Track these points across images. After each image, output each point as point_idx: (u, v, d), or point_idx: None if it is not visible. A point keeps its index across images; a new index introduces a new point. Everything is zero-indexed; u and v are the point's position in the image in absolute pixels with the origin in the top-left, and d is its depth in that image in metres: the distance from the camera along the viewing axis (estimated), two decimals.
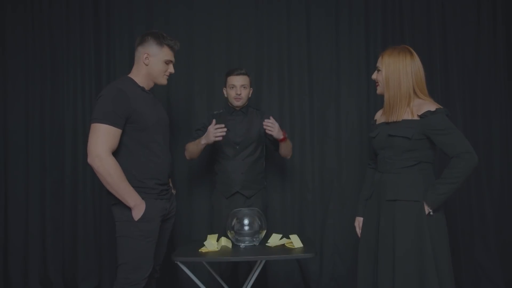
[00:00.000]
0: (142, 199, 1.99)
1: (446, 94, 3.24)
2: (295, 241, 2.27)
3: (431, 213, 1.86)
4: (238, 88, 2.65)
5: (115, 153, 1.99)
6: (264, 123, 2.49)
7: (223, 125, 2.46)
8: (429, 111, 1.86)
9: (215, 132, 2.43)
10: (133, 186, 1.98)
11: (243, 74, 2.68)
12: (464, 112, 3.25)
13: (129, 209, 1.97)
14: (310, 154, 3.27)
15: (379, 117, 2.12)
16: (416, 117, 1.89)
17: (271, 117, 2.52)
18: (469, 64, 3.27)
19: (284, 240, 2.35)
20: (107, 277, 3.16)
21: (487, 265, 3.17)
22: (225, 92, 2.77)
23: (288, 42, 3.29)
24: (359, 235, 2.13)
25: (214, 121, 2.49)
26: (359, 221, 2.16)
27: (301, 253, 2.18)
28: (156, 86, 2.27)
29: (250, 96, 2.76)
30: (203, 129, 2.65)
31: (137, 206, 1.96)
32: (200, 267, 2.63)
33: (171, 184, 2.32)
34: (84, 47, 3.26)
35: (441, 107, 1.90)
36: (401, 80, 1.92)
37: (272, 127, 2.47)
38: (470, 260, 3.18)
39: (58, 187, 3.24)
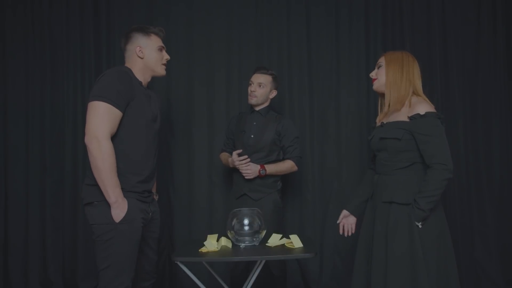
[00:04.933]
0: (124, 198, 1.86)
1: (446, 94, 3.24)
2: (295, 241, 2.27)
3: (420, 226, 1.83)
4: (254, 85, 2.65)
5: None
6: (234, 160, 2.57)
7: (244, 158, 2.55)
8: (418, 114, 1.86)
9: (236, 164, 2.57)
10: None
11: (264, 73, 2.67)
12: (464, 112, 3.25)
13: (108, 209, 1.83)
14: (310, 154, 3.27)
15: (378, 121, 2.12)
16: (406, 119, 1.90)
17: (241, 158, 2.56)
18: (469, 64, 3.27)
19: (284, 240, 2.35)
20: None
21: (487, 265, 3.17)
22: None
23: (288, 42, 3.29)
24: (339, 222, 2.23)
25: (237, 153, 2.58)
26: (344, 214, 2.23)
27: (301, 253, 2.17)
28: (155, 86, 2.26)
29: (271, 97, 2.73)
30: (228, 135, 2.85)
31: (117, 203, 1.82)
32: (200, 267, 2.62)
33: (153, 190, 2.19)
34: (84, 47, 3.26)
35: (433, 110, 1.88)
36: (404, 79, 1.94)
37: (245, 170, 2.56)
38: (470, 260, 3.18)
39: (58, 187, 3.24)
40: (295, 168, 2.70)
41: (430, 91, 3.23)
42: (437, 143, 1.83)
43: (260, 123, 2.68)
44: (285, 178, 3.24)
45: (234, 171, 2.74)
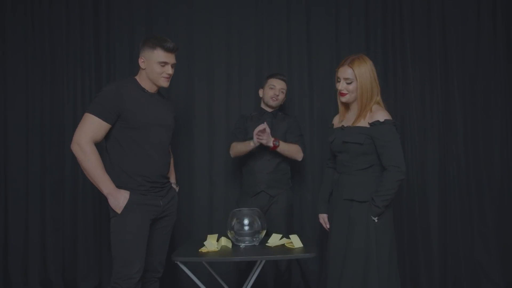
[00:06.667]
0: (130, 193, 2.03)
1: (446, 94, 3.24)
2: (295, 241, 2.27)
3: (376, 220, 2.00)
4: (277, 89, 2.80)
5: (109, 147, 2.07)
6: (255, 131, 2.53)
7: (263, 127, 2.51)
8: (378, 121, 2.02)
9: (256, 131, 2.53)
10: (121, 181, 2.03)
11: (285, 80, 2.86)
12: (464, 112, 3.25)
13: None
14: (310, 154, 3.27)
15: (336, 122, 2.27)
16: (367, 125, 2.04)
17: (265, 123, 2.54)
18: (469, 64, 3.27)
19: (284, 240, 2.35)
20: (107, 277, 3.16)
21: (487, 265, 3.17)
22: (261, 93, 2.89)
23: (288, 42, 3.29)
24: (327, 229, 2.30)
25: (262, 125, 2.53)
26: (323, 217, 2.32)
27: (301, 253, 2.18)
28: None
29: (282, 103, 2.90)
30: (241, 128, 2.85)
31: (111, 194, 1.98)
32: (200, 267, 2.63)
33: (173, 181, 2.35)
34: (84, 47, 3.26)
35: (390, 118, 2.05)
36: (373, 89, 2.07)
37: (261, 136, 2.53)
38: (470, 260, 3.18)
39: (58, 187, 3.23)
40: (301, 154, 2.78)
41: (430, 91, 3.24)
42: (393, 148, 2.01)
43: (273, 123, 2.82)
44: None
45: (245, 172, 2.82)
